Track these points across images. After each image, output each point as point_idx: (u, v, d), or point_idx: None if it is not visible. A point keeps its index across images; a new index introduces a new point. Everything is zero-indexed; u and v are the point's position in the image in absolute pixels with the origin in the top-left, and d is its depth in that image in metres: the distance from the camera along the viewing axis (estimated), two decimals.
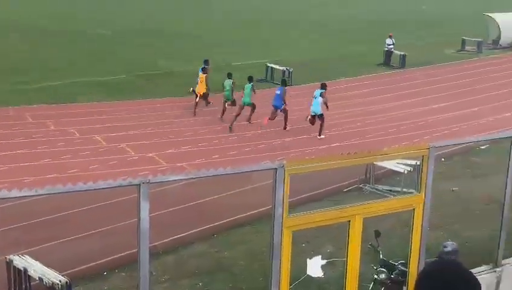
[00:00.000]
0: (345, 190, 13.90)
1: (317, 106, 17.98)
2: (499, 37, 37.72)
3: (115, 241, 10.66)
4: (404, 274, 7.90)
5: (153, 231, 5.60)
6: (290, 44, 36.04)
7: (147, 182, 5.40)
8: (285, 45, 35.79)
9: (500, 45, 37.44)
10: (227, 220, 11.98)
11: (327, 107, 18.17)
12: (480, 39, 36.48)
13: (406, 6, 60.70)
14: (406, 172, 13.16)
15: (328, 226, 7.22)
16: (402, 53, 30.60)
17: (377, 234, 8.31)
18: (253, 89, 19.33)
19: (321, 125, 17.91)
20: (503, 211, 8.39)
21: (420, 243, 7.45)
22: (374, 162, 12.43)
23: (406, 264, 7.75)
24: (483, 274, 8.54)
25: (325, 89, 18.24)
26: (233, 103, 19.49)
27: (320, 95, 18.02)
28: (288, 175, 6.23)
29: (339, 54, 33.15)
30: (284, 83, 19.81)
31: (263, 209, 11.06)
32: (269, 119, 18.40)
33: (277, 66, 26.39)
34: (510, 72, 29.31)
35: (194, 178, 5.75)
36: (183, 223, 11.62)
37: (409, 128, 19.40)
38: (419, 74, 29.04)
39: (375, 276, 8.32)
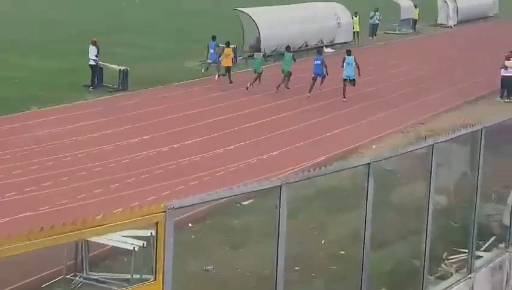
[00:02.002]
0: (45, 285, 13.71)
1: (351, 71, 30.33)
2: (258, 42, 40.58)
3: None
4: None
5: None
6: None
7: None
8: None
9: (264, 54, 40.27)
10: None
11: (359, 72, 30.70)
12: (232, 46, 38.81)
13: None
14: (136, 249, 13.37)
15: None
16: (123, 68, 31.35)
17: None
18: (293, 59, 32.07)
19: (346, 89, 30.63)
20: None
21: None
22: (88, 238, 12.41)
23: None
24: None
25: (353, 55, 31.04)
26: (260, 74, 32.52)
27: (354, 61, 30.37)
28: None
29: (26, 74, 33.13)
30: (320, 52, 33.21)
31: None
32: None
33: None
34: (268, 95, 31.58)
35: None
36: None
37: (152, 177, 20.12)
38: (149, 96, 30.11)
39: None
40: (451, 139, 12.94)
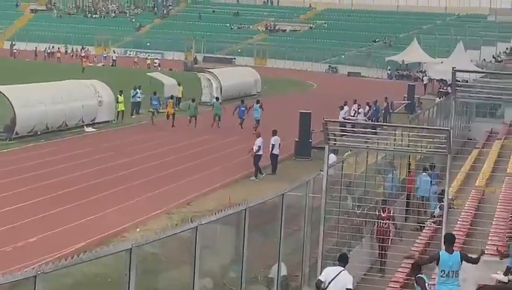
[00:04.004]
0: None
1: (258, 114, 46.38)
2: (14, 123, 39.53)
3: None
4: None
5: None
6: None
7: None
8: None
9: (17, 134, 39.16)
10: None
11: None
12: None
13: None
14: None
15: None
16: None
17: None
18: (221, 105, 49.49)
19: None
20: None
21: None
22: None
23: None
24: None
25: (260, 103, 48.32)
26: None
27: (260, 107, 47.18)
28: None
29: None
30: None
31: None
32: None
33: None
34: (22, 179, 30.62)
35: None
36: None
37: None
38: None
39: None
40: (216, 220, 13.12)
